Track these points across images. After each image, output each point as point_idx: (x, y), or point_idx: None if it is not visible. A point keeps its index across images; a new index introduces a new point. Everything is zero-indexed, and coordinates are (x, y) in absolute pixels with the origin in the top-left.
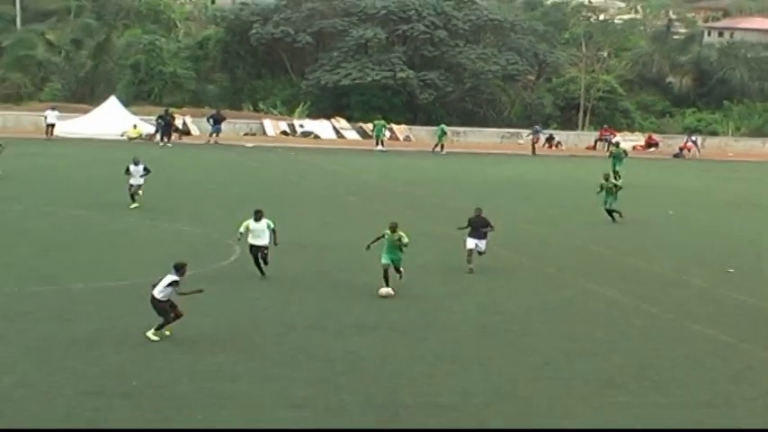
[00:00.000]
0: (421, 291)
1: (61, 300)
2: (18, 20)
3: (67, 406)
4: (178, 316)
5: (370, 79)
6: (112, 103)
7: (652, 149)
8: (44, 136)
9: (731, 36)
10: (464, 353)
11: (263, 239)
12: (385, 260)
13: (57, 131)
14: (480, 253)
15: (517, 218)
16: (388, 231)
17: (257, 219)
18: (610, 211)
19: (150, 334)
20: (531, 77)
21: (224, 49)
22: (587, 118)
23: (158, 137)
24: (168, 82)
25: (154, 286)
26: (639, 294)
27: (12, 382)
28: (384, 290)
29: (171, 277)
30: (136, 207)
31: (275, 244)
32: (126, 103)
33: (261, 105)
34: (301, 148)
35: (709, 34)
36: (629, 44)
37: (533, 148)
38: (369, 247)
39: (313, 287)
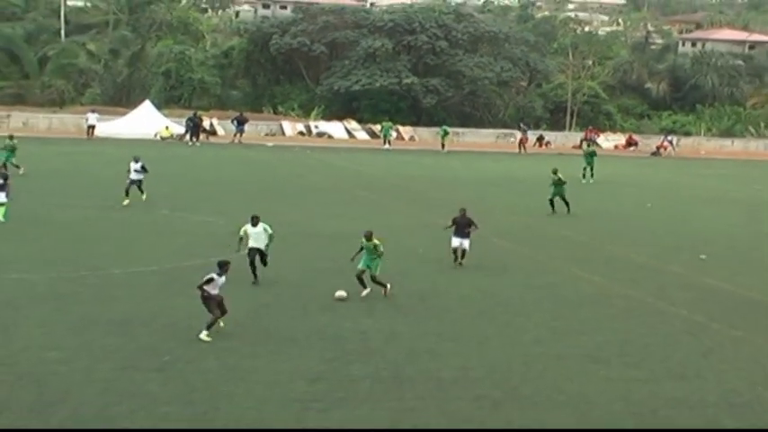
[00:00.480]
0: (423, 277)
1: (100, 284)
2: (62, 32)
3: (105, 379)
4: (223, 312)
5: (378, 85)
6: (147, 106)
7: (632, 148)
8: (85, 136)
9: (703, 46)
10: (463, 332)
11: (261, 243)
12: (361, 265)
13: (97, 132)
14: (464, 251)
15: (510, 210)
16: (364, 240)
17: (254, 224)
18: (554, 201)
19: (203, 336)
20: (524, 83)
21: (247, 58)
22: (574, 120)
23: (188, 137)
24: (196, 87)
25: (202, 285)
26: (621, 279)
27: (56, 358)
28: (339, 293)
29: (211, 274)
30: (127, 204)
31: (266, 248)
32: (159, 107)
33: (280, 108)
34: (316, 146)
35: (683, 44)
36: (611, 53)
37: (522, 147)
38: (353, 259)
39: (325, 273)
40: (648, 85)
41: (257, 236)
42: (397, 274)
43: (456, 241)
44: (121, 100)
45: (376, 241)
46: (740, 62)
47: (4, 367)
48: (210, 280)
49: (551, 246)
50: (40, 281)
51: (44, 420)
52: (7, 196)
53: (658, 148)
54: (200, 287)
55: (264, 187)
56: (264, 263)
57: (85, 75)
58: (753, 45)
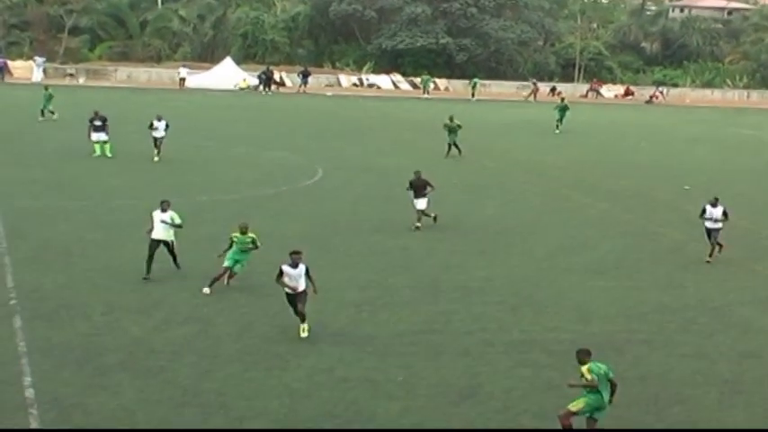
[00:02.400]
0: (456, 202)
1: (190, 209)
2: (159, 0)
3: (193, 286)
4: (296, 312)
5: (419, 44)
6: (228, 62)
7: (629, 97)
8: (178, 87)
9: (690, 12)
10: (488, 248)
11: (166, 234)
12: (228, 263)
13: (187, 84)
14: (421, 210)
15: (527, 147)
16: (238, 234)
17: (163, 209)
18: (451, 145)
19: (304, 331)
20: (540, 43)
21: (310, 22)
22: (581, 74)
23: (261, 87)
24: (269, 47)
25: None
26: (619, 205)
27: (156, 268)
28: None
29: (281, 266)
30: (158, 160)
31: (171, 242)
32: (238, 62)
33: (337, 64)
34: (368, 96)
35: (673, 10)
36: (612, 18)
37: (534, 96)
38: (220, 256)
39: (375, 199)
40: (643, 44)
41: (162, 226)
42: (436, 202)
43: (419, 203)
44: (207, 57)
45: (252, 235)
46: (720, 25)
47: (109, 272)
48: (281, 273)
49: (562, 176)
50: (140, 206)
51: (148, 315)
52: (107, 134)
53: (651, 97)
54: (278, 281)
55: (326, 129)
56: (173, 255)
57: (178, 36)
58: (731, 11)
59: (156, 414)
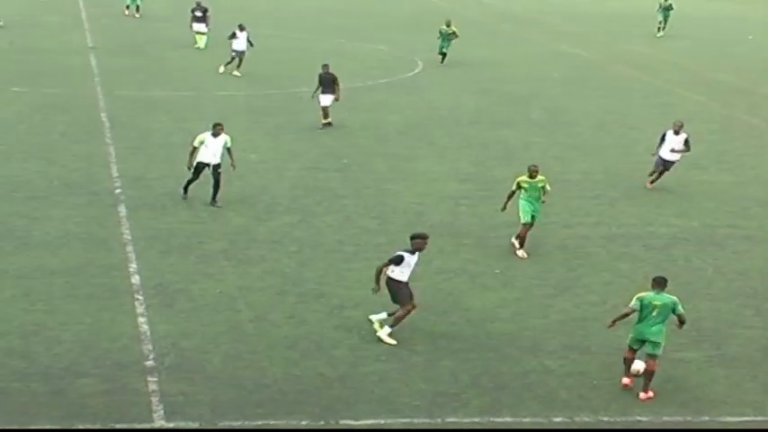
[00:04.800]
0: (554, 96)
1: (289, 100)
2: None
3: (294, 177)
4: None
5: None
6: None
7: None
8: None
9: None
10: (586, 142)
11: (217, 157)
12: (526, 218)
13: None
14: (327, 107)
15: (626, 39)
16: (527, 178)
17: (215, 134)
18: (443, 54)
19: (384, 335)
20: None
21: None
22: None
23: None
24: None
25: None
26: (720, 99)
27: (255, 159)
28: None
29: (399, 252)
30: (239, 75)
31: (232, 167)
32: None
33: None
34: None
35: None
36: None
37: None
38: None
39: (474, 92)
40: None
41: (215, 150)
42: (531, 96)
43: (325, 99)
44: None
45: (542, 177)
46: None
47: None
48: (400, 259)
49: (663, 71)
50: (242, 97)
51: (249, 206)
52: (207, 26)
53: None
54: (381, 267)
55: (422, 21)
56: (217, 182)
57: None
58: None
59: (257, 301)
